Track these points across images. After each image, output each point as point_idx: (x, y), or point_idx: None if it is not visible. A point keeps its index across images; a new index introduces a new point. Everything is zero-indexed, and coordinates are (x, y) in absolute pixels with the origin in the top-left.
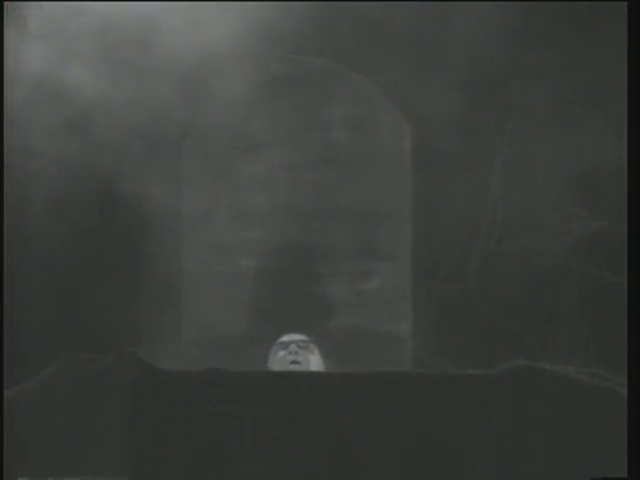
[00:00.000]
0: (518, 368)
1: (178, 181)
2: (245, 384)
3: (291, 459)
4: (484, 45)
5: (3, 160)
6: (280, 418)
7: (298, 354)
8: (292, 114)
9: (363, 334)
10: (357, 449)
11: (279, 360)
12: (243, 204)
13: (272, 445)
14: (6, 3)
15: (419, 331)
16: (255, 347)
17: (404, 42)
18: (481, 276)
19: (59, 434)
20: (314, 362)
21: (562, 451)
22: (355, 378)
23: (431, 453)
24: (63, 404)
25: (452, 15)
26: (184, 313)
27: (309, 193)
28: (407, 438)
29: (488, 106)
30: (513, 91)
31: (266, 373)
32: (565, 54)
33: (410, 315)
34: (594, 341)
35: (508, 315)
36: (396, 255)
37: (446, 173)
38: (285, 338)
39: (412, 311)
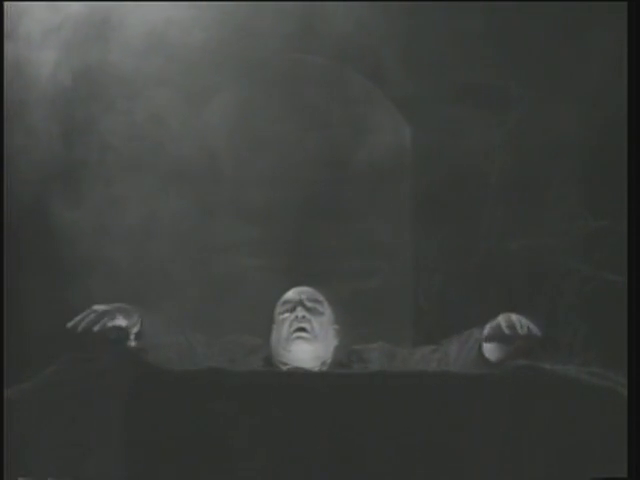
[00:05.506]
0: (518, 368)
1: (178, 181)
2: (246, 384)
3: (292, 459)
4: (484, 45)
5: (3, 160)
6: (281, 418)
7: (305, 319)
8: (292, 114)
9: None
10: (358, 448)
11: (284, 322)
12: (243, 204)
13: (273, 445)
14: (6, 3)
15: (419, 330)
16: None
17: (404, 42)
18: (481, 276)
19: (59, 434)
20: (320, 325)
21: (562, 451)
22: (356, 377)
23: (431, 453)
24: (63, 404)
25: (451, 15)
26: (184, 312)
27: (309, 193)
28: (407, 437)
29: (488, 106)
30: (513, 90)
31: (267, 373)
32: (566, 53)
33: (410, 315)
34: (594, 341)
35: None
36: (396, 255)
37: (446, 172)
38: (293, 295)
39: (412, 311)
